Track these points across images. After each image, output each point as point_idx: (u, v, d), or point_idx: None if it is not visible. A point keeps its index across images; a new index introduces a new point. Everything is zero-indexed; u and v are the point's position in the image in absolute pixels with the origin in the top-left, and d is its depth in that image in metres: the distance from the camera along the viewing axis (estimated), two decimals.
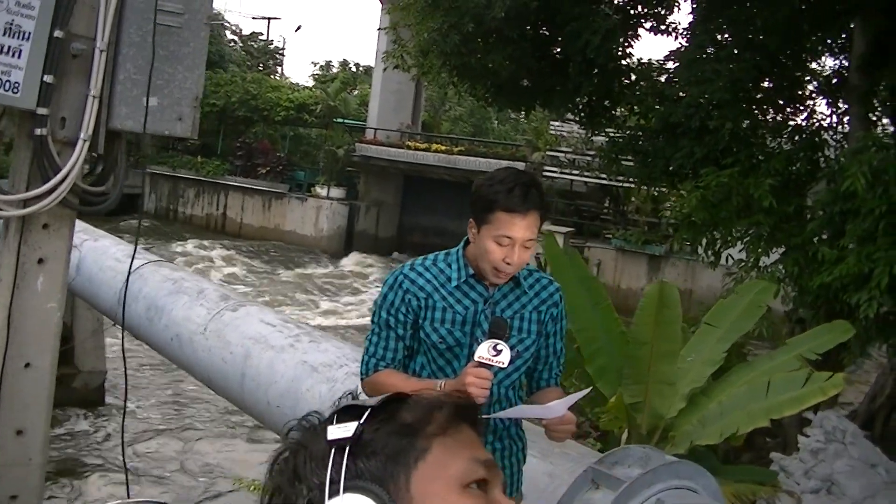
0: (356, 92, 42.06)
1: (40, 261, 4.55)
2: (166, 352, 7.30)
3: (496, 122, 45.60)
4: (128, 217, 28.39)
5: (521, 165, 28.51)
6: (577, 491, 3.73)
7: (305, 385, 5.39)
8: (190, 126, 3.93)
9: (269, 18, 55.44)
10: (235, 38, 50.02)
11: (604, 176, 19.99)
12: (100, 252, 8.67)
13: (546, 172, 28.29)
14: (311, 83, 46.62)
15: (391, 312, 3.10)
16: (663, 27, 12.20)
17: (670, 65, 12.02)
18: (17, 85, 4.08)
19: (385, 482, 0.95)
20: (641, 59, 12.66)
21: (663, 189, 13.34)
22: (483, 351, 2.86)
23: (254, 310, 6.62)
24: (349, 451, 0.96)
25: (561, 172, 28.41)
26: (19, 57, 4.06)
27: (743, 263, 10.33)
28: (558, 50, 12.22)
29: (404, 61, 13.57)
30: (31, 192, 4.30)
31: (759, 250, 10.07)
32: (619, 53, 12.15)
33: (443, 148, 31.83)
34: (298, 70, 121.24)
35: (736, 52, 10.78)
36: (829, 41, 11.33)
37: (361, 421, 0.98)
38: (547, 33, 12.20)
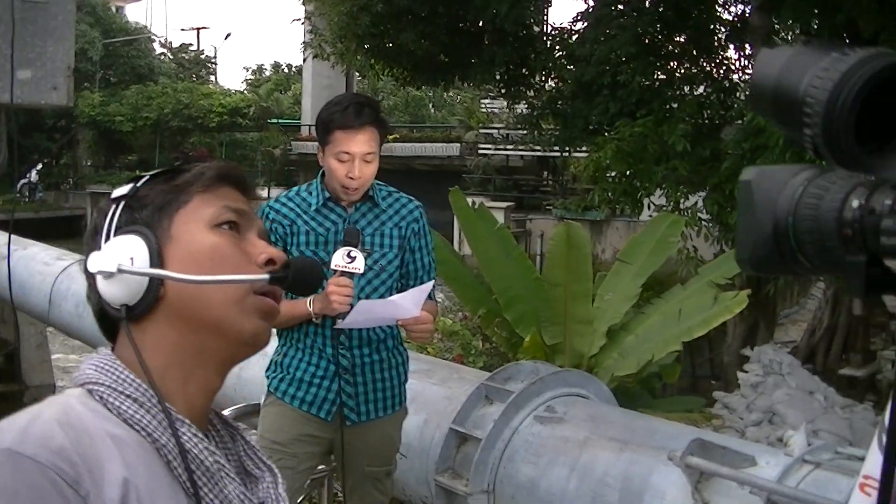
0: (290, 92, 41.99)
1: None
2: (70, 329, 7.49)
3: (432, 107, 45.69)
4: (68, 240, 28.09)
5: (456, 146, 28.73)
6: (472, 407, 3.96)
7: None
8: (65, 95, 4.11)
9: (197, 29, 55.07)
10: (165, 50, 49.66)
11: (538, 148, 20.14)
12: (29, 258, 8.78)
13: (481, 150, 28.47)
14: (246, 88, 46.45)
15: None
16: None
17: (580, 25, 12.19)
18: None
19: (153, 226, 1.17)
20: (554, 24, 12.81)
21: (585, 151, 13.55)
22: (338, 259, 3.09)
23: None
24: (126, 204, 1.20)
25: (496, 149, 28.56)
26: None
27: (665, 208, 10.56)
28: (470, 23, 12.35)
29: (322, 50, 13.63)
30: None
31: (679, 194, 10.30)
32: (531, 21, 12.28)
33: None
34: (233, 77, 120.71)
35: (642, 6, 11.00)
36: None
37: (138, 183, 1.22)
38: (456, 8, 12.32)
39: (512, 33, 11.74)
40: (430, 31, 12.00)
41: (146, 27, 48.67)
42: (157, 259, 1.16)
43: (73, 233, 27.50)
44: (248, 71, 54.80)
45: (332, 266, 3.13)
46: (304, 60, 18.94)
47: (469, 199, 7.62)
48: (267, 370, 3.49)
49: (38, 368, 12.55)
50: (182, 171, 1.25)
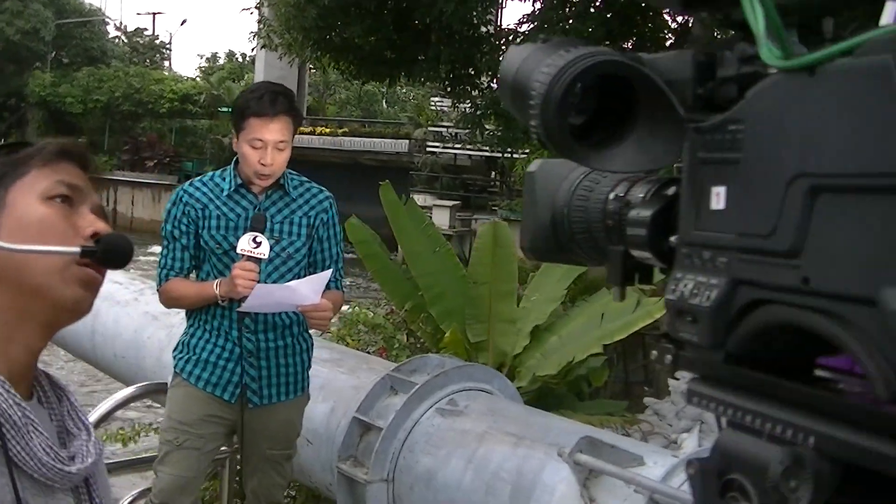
0: (243, 81, 41.76)
1: None
2: None
3: (385, 103, 45.68)
4: None
5: (404, 143, 28.74)
6: (376, 397, 4.00)
7: (147, 333, 5.58)
8: None
9: (153, 14, 54.76)
10: (119, 34, 49.18)
11: (486, 148, 20.23)
12: None
13: (430, 147, 28.53)
14: (199, 76, 46.16)
15: (175, 224, 3.34)
16: None
17: (525, 27, 12.27)
18: None
19: None
20: (501, 25, 12.86)
21: (526, 152, 13.65)
22: (244, 243, 3.15)
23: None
24: None
25: (444, 147, 28.64)
26: None
27: None
28: (418, 20, 12.38)
29: (271, 41, 13.60)
30: None
31: None
32: (478, 21, 12.34)
33: (327, 131, 31.89)
34: (186, 64, 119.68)
35: (587, 12, 11.10)
36: None
37: None
38: (404, 4, 12.35)
39: (458, 32, 11.79)
40: (377, 27, 12.02)
41: (100, 9, 48.17)
42: None
43: None
44: (202, 58, 54.45)
45: (238, 250, 3.19)
46: (253, 50, 18.89)
47: (420, 197, 7.66)
48: (174, 350, 3.53)
49: None
50: (26, 146, 1.32)
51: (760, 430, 0.70)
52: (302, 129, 25.22)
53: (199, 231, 3.36)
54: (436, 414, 3.87)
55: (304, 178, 3.52)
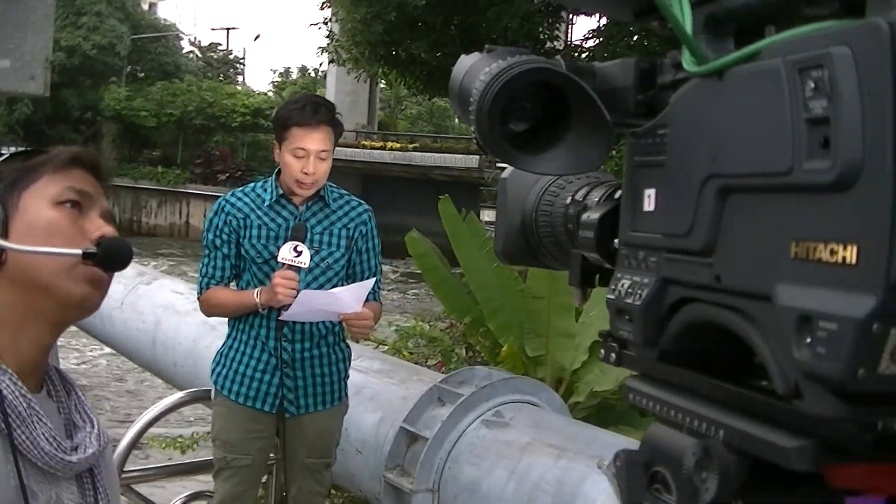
0: None
1: None
2: (90, 329, 7.59)
3: (456, 119, 45.79)
4: None
5: (475, 158, 28.80)
6: (423, 408, 4.04)
7: (205, 343, 5.68)
8: (42, 85, 4.26)
9: (227, 29, 55.64)
10: (193, 48, 50.07)
11: None
12: None
13: (499, 163, 28.46)
14: (271, 90, 46.77)
15: (217, 234, 3.41)
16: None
17: (591, 43, 12.29)
18: None
19: (3, 199, 1.32)
20: (570, 41, 12.89)
21: None
22: (285, 252, 3.21)
23: (166, 282, 6.92)
24: None
25: None
26: None
27: None
28: (483, 35, 12.44)
29: (338, 55, 13.76)
30: None
31: None
32: (544, 36, 12.37)
33: (398, 145, 32.09)
34: (260, 79, 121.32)
35: (650, 27, 11.06)
36: None
37: None
38: (470, 20, 12.43)
39: (524, 48, 11.81)
40: (442, 42, 12.13)
41: (175, 25, 49.09)
42: (2, 229, 1.29)
43: None
44: (274, 73, 55.14)
45: (279, 259, 3.26)
46: (320, 65, 19.13)
47: (489, 212, 7.67)
48: (213, 361, 3.61)
49: None
50: (41, 153, 1.39)
51: (681, 425, 0.72)
52: (373, 143, 25.43)
53: (241, 240, 3.43)
54: (481, 425, 3.89)
55: (344, 191, 3.58)
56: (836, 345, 0.55)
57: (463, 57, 0.84)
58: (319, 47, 14.75)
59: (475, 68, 0.79)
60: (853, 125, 0.55)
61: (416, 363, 6.53)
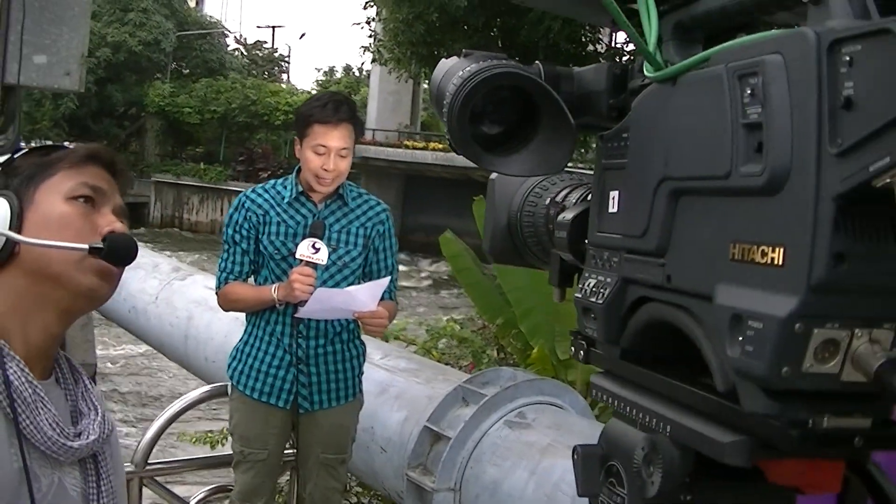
0: (357, 96, 42.38)
1: None
2: (126, 324, 7.69)
3: None
4: (131, 228, 28.47)
5: None
6: (447, 407, 4.06)
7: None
8: (77, 81, 4.30)
9: (273, 27, 56.17)
10: (239, 46, 50.41)
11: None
12: None
13: None
14: (315, 89, 46.93)
15: (236, 229, 3.45)
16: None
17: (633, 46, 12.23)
18: None
19: (20, 193, 1.36)
20: (614, 43, 12.86)
21: None
22: (303, 249, 3.25)
23: (200, 277, 6.98)
24: (3, 171, 1.39)
25: None
26: None
27: None
28: (524, 37, 12.45)
29: (381, 55, 13.81)
30: None
31: None
32: (586, 39, 12.35)
33: (440, 146, 32.10)
34: (304, 77, 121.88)
35: None
36: None
37: (15, 155, 1.42)
38: (512, 21, 12.43)
39: (565, 50, 11.81)
40: (484, 43, 12.11)
41: (220, 22, 49.43)
42: (16, 222, 1.34)
43: (135, 219, 28.03)
44: (319, 72, 55.40)
45: (297, 255, 3.29)
46: (362, 65, 19.22)
47: None
48: (229, 356, 3.66)
49: (80, 347, 12.84)
50: (59, 149, 1.43)
51: (635, 420, 0.74)
52: (415, 144, 25.36)
53: (259, 236, 3.47)
54: (504, 426, 3.90)
55: (363, 190, 3.61)
56: (761, 343, 0.57)
57: (443, 60, 0.86)
58: (362, 46, 14.83)
59: (451, 71, 0.81)
60: (783, 131, 0.57)
61: (447, 364, 6.54)
